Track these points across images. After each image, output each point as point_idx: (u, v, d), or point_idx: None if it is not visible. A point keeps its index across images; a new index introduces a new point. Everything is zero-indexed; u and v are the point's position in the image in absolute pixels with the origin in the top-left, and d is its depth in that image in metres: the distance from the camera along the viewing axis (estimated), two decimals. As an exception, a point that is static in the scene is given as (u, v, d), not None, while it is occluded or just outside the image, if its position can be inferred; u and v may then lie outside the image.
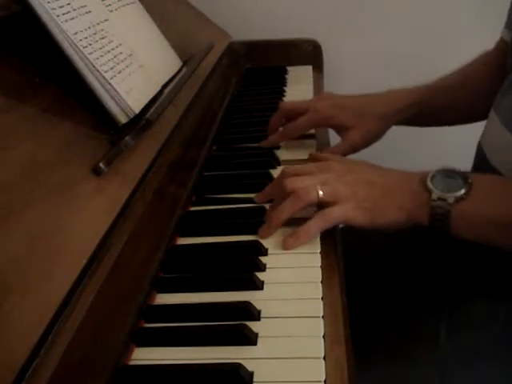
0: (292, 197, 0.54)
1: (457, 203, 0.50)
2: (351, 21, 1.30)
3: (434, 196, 0.51)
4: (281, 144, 0.77)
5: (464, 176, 0.52)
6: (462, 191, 0.50)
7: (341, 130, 0.74)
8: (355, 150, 0.74)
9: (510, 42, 0.68)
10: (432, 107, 0.76)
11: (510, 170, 0.62)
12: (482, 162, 0.68)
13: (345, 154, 0.73)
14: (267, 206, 0.60)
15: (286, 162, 0.73)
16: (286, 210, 0.55)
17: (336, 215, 0.53)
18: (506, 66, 0.68)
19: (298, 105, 0.77)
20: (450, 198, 0.50)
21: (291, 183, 0.55)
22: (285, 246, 0.53)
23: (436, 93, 0.76)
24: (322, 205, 0.54)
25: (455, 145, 0.90)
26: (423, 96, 0.75)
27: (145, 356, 0.43)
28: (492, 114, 0.66)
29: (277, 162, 0.72)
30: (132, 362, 0.42)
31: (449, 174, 0.52)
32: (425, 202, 0.51)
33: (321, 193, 0.53)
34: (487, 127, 0.68)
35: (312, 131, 0.79)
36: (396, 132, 0.80)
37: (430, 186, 0.51)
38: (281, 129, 0.77)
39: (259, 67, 1.16)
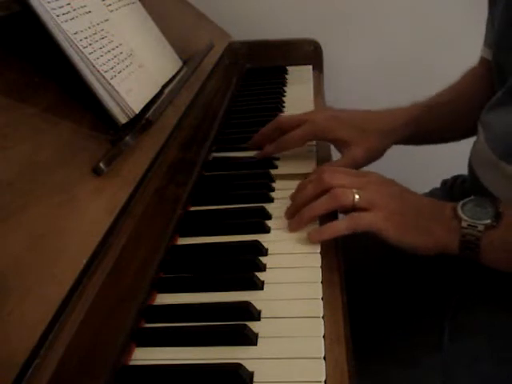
0: (328, 195, 0.55)
1: (487, 231, 0.51)
2: (351, 21, 1.30)
3: (464, 223, 0.51)
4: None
5: (494, 205, 0.52)
6: (493, 219, 0.51)
7: (340, 145, 0.71)
8: (356, 166, 0.70)
9: (492, 62, 0.68)
10: (428, 125, 0.75)
11: (494, 185, 0.63)
12: (471, 174, 0.69)
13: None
14: (267, 205, 0.60)
15: (285, 161, 0.73)
16: (321, 207, 0.55)
17: (367, 221, 0.53)
18: (493, 83, 0.68)
19: (294, 117, 0.73)
20: (480, 225, 0.51)
21: (330, 178, 0.56)
22: (309, 238, 0.54)
23: (431, 111, 0.76)
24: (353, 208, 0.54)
25: (453, 151, 0.91)
26: (419, 114, 0.74)
27: (145, 356, 0.43)
28: (478, 127, 0.67)
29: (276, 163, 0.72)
30: (132, 362, 0.42)
31: (479, 202, 0.53)
32: (455, 229, 0.52)
33: (357, 197, 0.54)
34: (475, 141, 0.69)
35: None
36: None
37: (461, 213, 0.52)
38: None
39: (259, 67, 1.16)
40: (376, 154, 0.72)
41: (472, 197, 0.54)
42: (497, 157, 0.61)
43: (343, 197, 0.54)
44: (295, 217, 0.57)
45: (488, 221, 0.51)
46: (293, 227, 0.56)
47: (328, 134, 0.70)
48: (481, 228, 0.51)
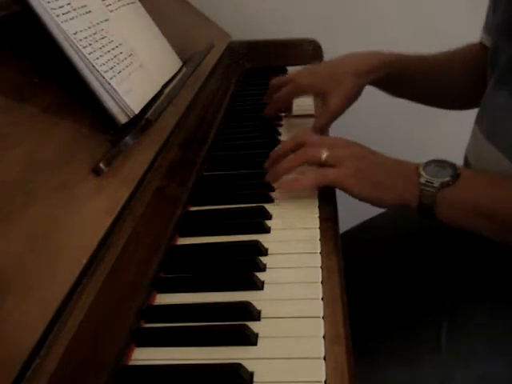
0: (301, 150, 0.61)
1: (442, 188, 0.53)
2: (352, 21, 1.30)
3: (423, 180, 0.54)
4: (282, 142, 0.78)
5: (454, 166, 0.55)
6: (449, 178, 0.54)
7: (321, 97, 0.78)
8: (338, 113, 0.76)
9: (490, 49, 0.67)
10: (404, 73, 0.79)
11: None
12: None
13: (330, 120, 0.76)
14: (267, 205, 0.61)
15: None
16: (293, 159, 0.61)
17: (332, 177, 0.58)
18: (486, 73, 0.68)
19: (282, 79, 0.83)
20: (437, 182, 0.54)
21: (303, 136, 0.62)
22: (281, 187, 0.62)
23: (410, 60, 0.80)
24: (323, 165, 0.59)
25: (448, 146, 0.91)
26: (396, 59, 0.79)
27: (145, 356, 0.43)
28: (474, 127, 0.67)
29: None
30: (132, 362, 0.42)
31: (441, 163, 0.56)
32: (415, 185, 0.55)
33: (326, 154, 0.59)
34: (471, 139, 0.69)
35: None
36: (394, 133, 0.79)
37: (421, 171, 0.55)
38: None
39: (259, 67, 1.15)
40: (353, 96, 0.77)
41: (434, 158, 0.57)
42: (485, 137, 0.63)
43: (314, 152, 0.59)
44: (272, 169, 0.62)
45: (444, 179, 0.54)
46: (269, 177, 0.62)
47: (307, 90, 0.79)
48: (437, 184, 0.53)
